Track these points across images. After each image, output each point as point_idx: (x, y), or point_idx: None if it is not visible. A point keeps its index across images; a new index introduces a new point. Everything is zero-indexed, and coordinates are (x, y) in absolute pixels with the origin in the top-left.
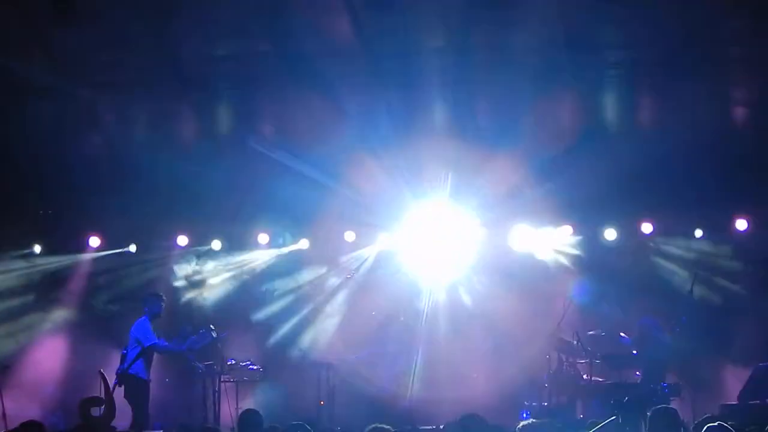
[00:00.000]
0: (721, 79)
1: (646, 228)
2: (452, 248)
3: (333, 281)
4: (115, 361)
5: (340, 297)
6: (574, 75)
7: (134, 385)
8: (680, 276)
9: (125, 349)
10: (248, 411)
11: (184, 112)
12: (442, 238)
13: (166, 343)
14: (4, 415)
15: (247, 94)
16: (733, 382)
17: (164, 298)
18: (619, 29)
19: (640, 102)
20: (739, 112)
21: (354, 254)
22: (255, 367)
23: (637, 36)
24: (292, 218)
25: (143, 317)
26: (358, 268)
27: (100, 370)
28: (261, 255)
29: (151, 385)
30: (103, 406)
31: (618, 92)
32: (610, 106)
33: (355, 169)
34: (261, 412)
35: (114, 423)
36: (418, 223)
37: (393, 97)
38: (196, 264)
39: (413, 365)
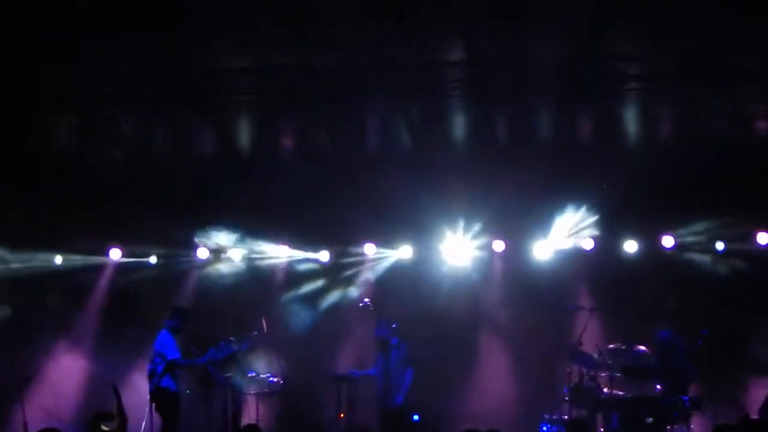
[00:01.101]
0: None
1: (668, 241)
2: (472, 260)
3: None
4: (133, 373)
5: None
6: (594, 88)
7: (167, 400)
8: (700, 289)
9: (151, 365)
10: (249, 426)
11: (206, 124)
12: (462, 249)
13: (187, 360)
14: (25, 425)
15: (272, 106)
16: (756, 396)
17: (190, 313)
18: (639, 42)
19: (660, 114)
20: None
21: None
22: (275, 380)
23: (655, 48)
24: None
25: (165, 330)
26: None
27: (113, 385)
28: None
29: None
30: (114, 421)
31: (637, 105)
32: (630, 119)
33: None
34: (281, 425)
35: None
36: (440, 235)
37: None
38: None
39: (433, 378)
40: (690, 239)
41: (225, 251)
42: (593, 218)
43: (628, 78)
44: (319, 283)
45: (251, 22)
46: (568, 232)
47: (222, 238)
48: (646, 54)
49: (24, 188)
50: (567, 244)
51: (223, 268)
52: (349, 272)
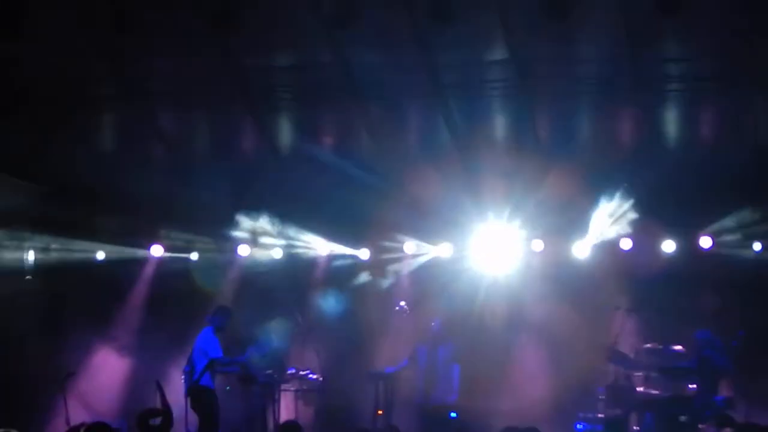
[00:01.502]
0: None
1: (705, 242)
2: (510, 258)
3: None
4: (173, 369)
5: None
6: (635, 88)
7: (205, 397)
8: (738, 289)
9: (191, 362)
10: (288, 423)
11: (247, 122)
12: (500, 247)
13: (228, 358)
14: (68, 420)
15: (309, 105)
16: None
17: (232, 313)
18: (680, 42)
19: (700, 115)
20: None
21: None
22: (314, 377)
23: (697, 49)
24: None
25: (208, 328)
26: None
27: (156, 381)
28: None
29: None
30: (160, 417)
31: (678, 106)
32: (671, 120)
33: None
34: (320, 422)
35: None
36: (478, 233)
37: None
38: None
39: (470, 376)
40: (728, 239)
41: (266, 248)
42: (629, 205)
43: (671, 79)
44: (359, 279)
45: (298, 21)
46: (606, 221)
47: (263, 234)
48: (689, 55)
49: (64, 185)
50: (606, 234)
51: (264, 264)
52: (388, 269)
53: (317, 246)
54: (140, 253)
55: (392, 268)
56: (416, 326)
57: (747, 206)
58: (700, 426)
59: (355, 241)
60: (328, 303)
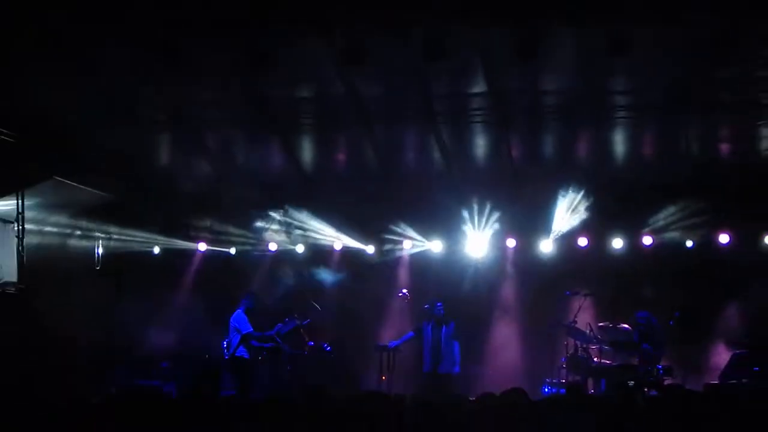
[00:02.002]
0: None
1: (647, 240)
2: (489, 252)
3: None
4: (213, 342)
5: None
6: (591, 114)
7: (240, 365)
8: (674, 278)
9: (227, 337)
10: (316, 386)
11: (275, 141)
12: (482, 244)
13: (258, 333)
14: (128, 383)
15: (326, 128)
16: (718, 364)
17: (258, 296)
18: (627, 78)
19: (642, 136)
20: None
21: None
22: (330, 349)
23: (641, 83)
24: None
25: (240, 309)
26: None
27: (206, 356)
28: None
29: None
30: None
31: (625, 129)
32: (619, 140)
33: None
34: (335, 385)
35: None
36: (464, 232)
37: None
38: None
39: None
40: (665, 237)
41: (292, 244)
42: (585, 209)
43: (620, 108)
44: (366, 269)
45: (316, 60)
46: (566, 223)
47: (289, 233)
48: (634, 88)
49: (134, 187)
50: (566, 225)
51: (290, 258)
52: (390, 263)
53: (333, 245)
54: (189, 246)
55: (393, 259)
56: (414, 308)
57: (681, 210)
58: (644, 389)
59: (363, 238)
60: (327, 277)
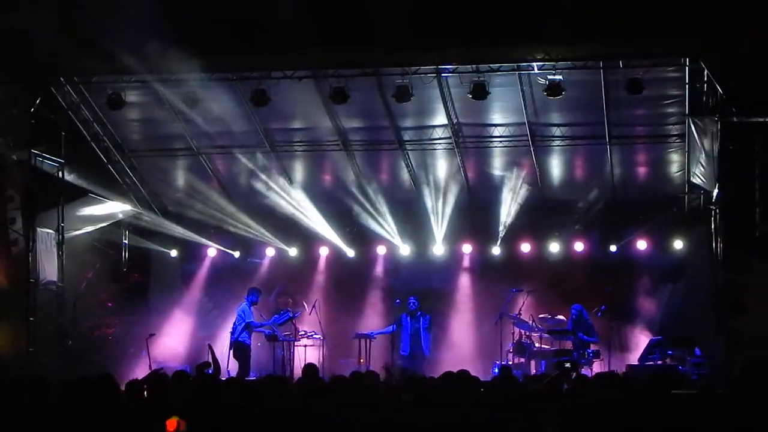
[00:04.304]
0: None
1: (579, 246)
2: (449, 255)
3: None
4: (221, 332)
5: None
6: (532, 143)
7: (241, 349)
8: (601, 277)
9: (234, 325)
10: (310, 364)
11: (273, 166)
12: (442, 248)
13: (258, 323)
14: (150, 366)
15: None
16: (638, 348)
17: (261, 291)
18: (562, 114)
19: (574, 162)
20: None
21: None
22: (318, 336)
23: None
24: None
25: (245, 302)
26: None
27: (208, 344)
28: None
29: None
30: (211, 368)
31: (560, 156)
32: (555, 165)
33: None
34: (323, 367)
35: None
36: (428, 238)
37: None
38: None
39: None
40: (593, 243)
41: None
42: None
43: (555, 138)
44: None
45: (306, 100)
46: (511, 231)
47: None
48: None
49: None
50: (512, 240)
51: (284, 259)
52: (368, 265)
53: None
54: (200, 251)
55: (370, 261)
56: (391, 303)
57: (604, 221)
58: (581, 370)
59: (345, 244)
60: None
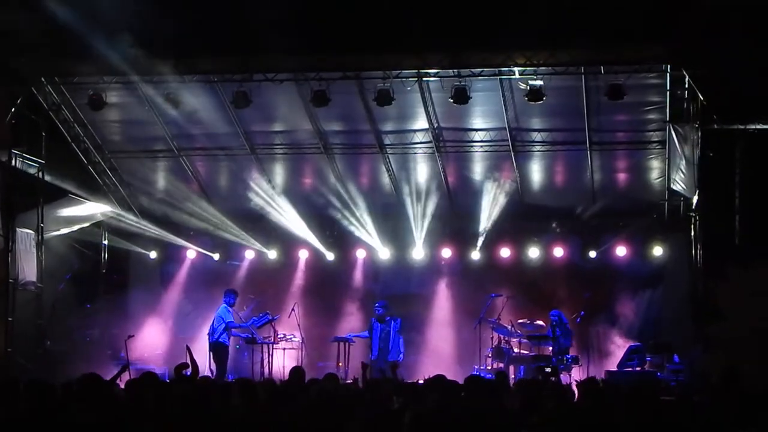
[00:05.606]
0: None
1: (558, 251)
2: (429, 260)
3: None
4: (200, 333)
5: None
6: (513, 148)
7: (220, 350)
8: (581, 283)
9: (212, 326)
10: (296, 367)
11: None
12: (422, 253)
13: (237, 324)
14: (128, 368)
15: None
16: (617, 354)
17: (238, 293)
18: (543, 120)
19: (554, 167)
20: None
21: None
22: (297, 339)
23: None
24: None
25: (224, 305)
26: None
27: (186, 345)
28: None
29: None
30: (189, 369)
31: (541, 161)
32: (535, 170)
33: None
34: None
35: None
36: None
37: None
38: None
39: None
40: (572, 249)
41: (266, 254)
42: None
43: (536, 143)
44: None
45: (288, 103)
46: (490, 238)
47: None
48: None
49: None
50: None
51: (263, 262)
52: (348, 268)
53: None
54: (179, 253)
55: (350, 264)
56: (370, 307)
57: (584, 226)
58: (560, 375)
59: (324, 247)
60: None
